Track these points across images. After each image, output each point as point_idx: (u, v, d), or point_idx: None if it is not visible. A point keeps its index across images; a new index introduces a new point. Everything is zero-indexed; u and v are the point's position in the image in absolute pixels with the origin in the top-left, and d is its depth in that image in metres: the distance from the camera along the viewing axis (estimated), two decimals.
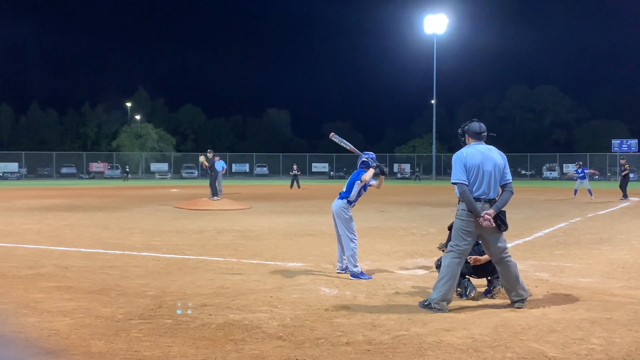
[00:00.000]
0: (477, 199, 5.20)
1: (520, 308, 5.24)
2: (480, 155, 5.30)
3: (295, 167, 34.89)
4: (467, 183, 5.23)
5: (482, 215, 5.13)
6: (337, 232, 7.09)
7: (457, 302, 5.52)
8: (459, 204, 5.36)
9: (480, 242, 5.53)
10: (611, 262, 7.94)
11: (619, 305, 5.42)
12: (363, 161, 7.18)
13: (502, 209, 5.28)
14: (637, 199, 22.58)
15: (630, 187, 22.91)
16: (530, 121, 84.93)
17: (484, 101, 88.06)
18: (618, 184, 22.74)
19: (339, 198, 7.11)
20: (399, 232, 11.57)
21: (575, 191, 23.64)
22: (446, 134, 79.80)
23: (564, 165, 61.54)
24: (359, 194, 7.15)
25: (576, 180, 23.50)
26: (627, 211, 17.02)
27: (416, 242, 10.11)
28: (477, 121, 5.53)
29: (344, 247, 6.98)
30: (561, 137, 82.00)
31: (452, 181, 5.35)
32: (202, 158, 18.20)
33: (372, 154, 7.27)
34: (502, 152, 5.49)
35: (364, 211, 16.27)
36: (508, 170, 5.41)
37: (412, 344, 4.23)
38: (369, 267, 7.49)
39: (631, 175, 26.63)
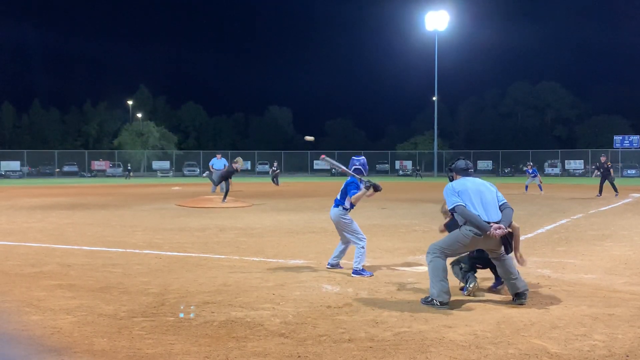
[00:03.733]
0: None
1: (522, 304, 5.24)
2: (469, 182, 5.52)
3: (275, 164, 34.72)
4: (464, 204, 5.30)
5: (491, 225, 5.16)
6: (342, 236, 7.11)
7: (459, 299, 5.53)
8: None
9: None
10: (613, 258, 7.94)
11: (621, 301, 5.43)
12: (355, 168, 7.02)
13: (510, 231, 5.32)
14: (638, 194, 22.54)
15: (629, 183, 22.80)
16: (531, 118, 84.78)
17: (486, 98, 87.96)
18: (609, 182, 22.29)
19: (334, 206, 7.03)
20: (401, 229, 11.57)
21: (527, 187, 25.58)
22: (448, 131, 79.77)
23: (565, 161, 61.45)
24: (352, 205, 7.06)
25: (529, 178, 25.76)
26: (629, 207, 17.00)
27: (418, 239, 10.10)
28: (463, 159, 5.87)
29: (355, 249, 6.95)
30: (563, 133, 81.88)
31: (449, 209, 5.49)
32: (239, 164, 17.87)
33: (362, 160, 7.12)
34: (491, 183, 5.68)
35: (366, 208, 16.26)
36: (500, 194, 5.54)
37: (415, 340, 4.23)
38: (371, 264, 7.50)
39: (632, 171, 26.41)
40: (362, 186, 6.87)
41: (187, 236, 10.41)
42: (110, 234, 10.68)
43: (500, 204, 5.43)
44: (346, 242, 7.12)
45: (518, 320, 4.76)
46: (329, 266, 7.20)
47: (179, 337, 4.35)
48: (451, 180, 5.78)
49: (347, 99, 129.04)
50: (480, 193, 5.39)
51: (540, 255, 8.13)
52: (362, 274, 6.75)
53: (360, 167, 7.03)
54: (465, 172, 5.72)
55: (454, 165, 5.85)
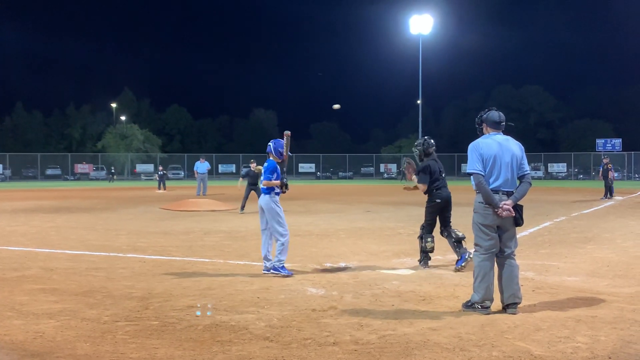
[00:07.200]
0: (495, 192, 5.06)
1: (513, 314, 5.03)
2: (497, 145, 5.14)
3: (160, 167, 33.42)
4: (483, 173, 5.08)
5: (500, 206, 5.01)
6: (267, 227, 7.23)
7: (443, 302, 5.55)
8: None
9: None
10: (596, 260, 8.01)
11: (604, 303, 5.48)
12: (278, 150, 7.38)
13: (520, 204, 5.15)
14: (621, 197, 22.79)
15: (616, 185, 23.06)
16: (515, 121, 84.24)
17: (470, 101, 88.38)
18: (604, 183, 22.63)
19: (265, 193, 7.18)
20: (386, 232, 11.60)
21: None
22: (432, 134, 79.52)
23: (548, 164, 62.00)
24: (276, 185, 7.24)
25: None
26: (612, 210, 17.18)
27: (403, 242, 10.14)
28: (496, 110, 5.38)
29: (276, 243, 7.09)
30: (546, 136, 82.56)
31: (467, 171, 5.20)
32: (258, 167, 17.94)
33: (280, 143, 7.46)
34: (519, 143, 5.32)
35: (351, 211, 16.30)
36: (526, 161, 5.24)
37: (399, 343, 4.24)
38: (356, 266, 7.51)
39: (615, 174, 26.58)
40: (279, 179, 7.25)
41: (171, 239, 10.36)
42: (93, 238, 10.60)
43: (520, 174, 5.18)
44: (270, 236, 7.15)
45: (502, 322, 4.79)
46: (266, 271, 7.09)
47: (163, 342, 4.32)
48: (479, 131, 5.42)
49: (332, 102, 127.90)
50: (505, 164, 5.08)
51: (523, 258, 8.17)
52: (280, 272, 6.81)
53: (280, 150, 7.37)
54: (497, 126, 5.26)
55: (485, 115, 5.34)
